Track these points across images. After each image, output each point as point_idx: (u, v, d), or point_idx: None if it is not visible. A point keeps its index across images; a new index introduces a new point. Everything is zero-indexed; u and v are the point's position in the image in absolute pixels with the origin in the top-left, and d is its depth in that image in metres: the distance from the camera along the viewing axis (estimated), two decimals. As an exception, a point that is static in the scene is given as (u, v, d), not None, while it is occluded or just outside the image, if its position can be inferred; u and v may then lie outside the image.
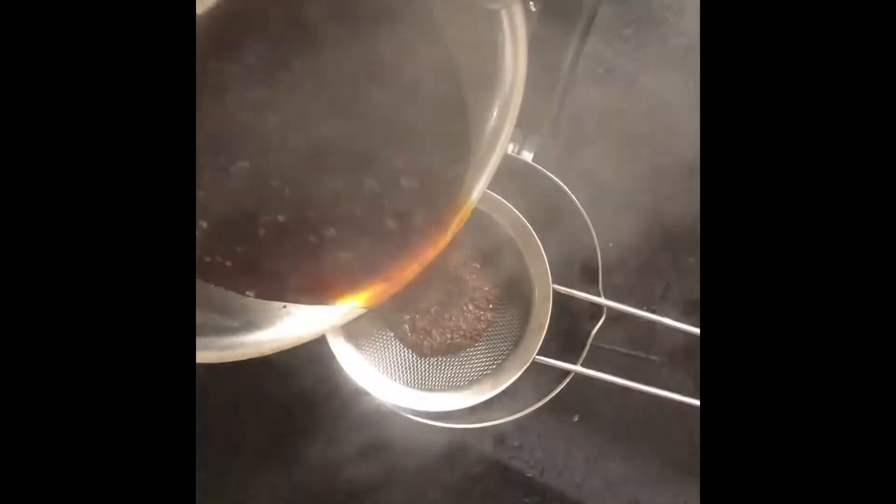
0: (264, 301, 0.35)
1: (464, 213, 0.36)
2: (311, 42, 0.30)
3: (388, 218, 0.35)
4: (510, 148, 0.44)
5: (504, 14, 0.30)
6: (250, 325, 0.34)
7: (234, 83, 0.30)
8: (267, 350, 0.34)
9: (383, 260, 0.36)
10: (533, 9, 0.44)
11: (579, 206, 0.43)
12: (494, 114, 0.34)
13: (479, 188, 0.36)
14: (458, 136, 0.35)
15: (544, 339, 0.42)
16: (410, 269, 0.36)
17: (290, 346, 0.35)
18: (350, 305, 0.36)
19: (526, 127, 0.43)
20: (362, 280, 0.36)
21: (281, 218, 0.34)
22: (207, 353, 0.32)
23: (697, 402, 0.42)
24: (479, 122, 0.34)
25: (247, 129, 0.31)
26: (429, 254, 0.36)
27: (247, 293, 0.34)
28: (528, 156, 0.44)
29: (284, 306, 0.35)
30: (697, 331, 0.42)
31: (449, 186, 0.36)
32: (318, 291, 0.35)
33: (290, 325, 0.35)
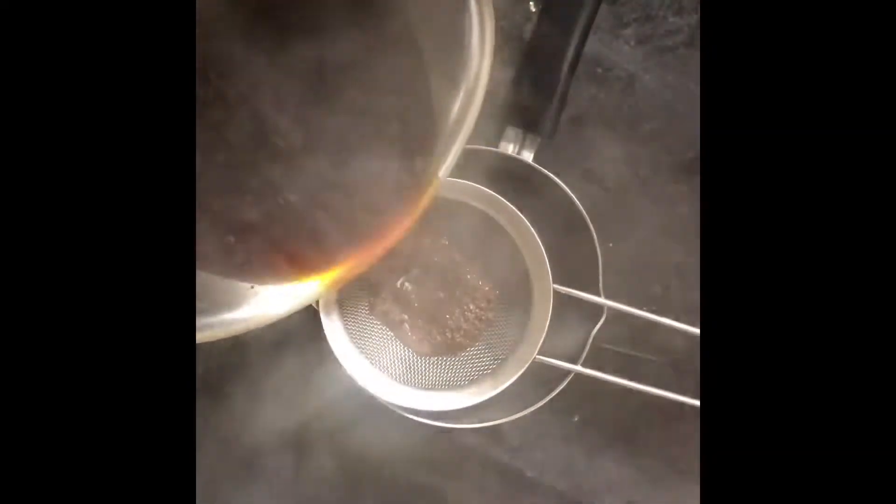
0: (231, 281, 0.34)
1: (428, 195, 0.36)
2: (277, 26, 0.30)
3: (350, 199, 0.35)
4: (510, 148, 0.44)
5: (472, 2, 0.30)
6: (218, 306, 0.34)
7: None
8: (235, 330, 0.33)
9: (348, 239, 0.35)
10: (533, 9, 0.44)
11: (579, 205, 0.43)
12: (460, 97, 0.34)
13: (443, 169, 0.36)
14: (422, 119, 0.35)
15: (545, 339, 0.42)
16: (375, 250, 0.36)
17: (258, 326, 0.34)
18: (316, 284, 0.35)
19: (525, 127, 0.43)
20: (327, 259, 0.35)
21: (248, 198, 0.33)
22: None
23: (697, 403, 0.42)
24: (445, 105, 0.34)
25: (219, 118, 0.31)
26: (393, 235, 0.36)
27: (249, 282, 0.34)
28: (528, 156, 0.44)
29: (252, 286, 0.35)
30: (697, 331, 0.42)
31: (412, 168, 0.35)
32: (281, 271, 0.35)
33: (257, 305, 0.35)
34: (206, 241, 0.33)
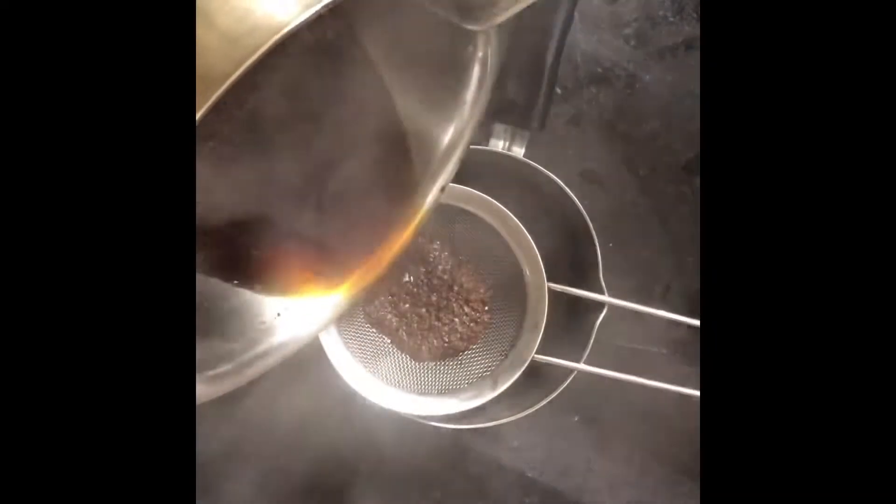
0: (258, 317, 0.35)
1: (426, 208, 0.38)
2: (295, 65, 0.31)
3: (349, 219, 0.36)
4: (500, 145, 0.44)
5: (481, 37, 0.31)
6: (251, 343, 0.35)
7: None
8: (273, 361, 0.35)
9: (350, 255, 0.37)
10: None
11: (578, 204, 0.43)
12: (451, 131, 0.36)
13: (433, 191, 0.37)
14: (419, 145, 0.36)
15: (547, 339, 0.42)
16: (375, 266, 0.38)
17: (292, 352, 0.35)
18: (336, 299, 0.37)
19: (513, 122, 0.43)
20: (342, 270, 0.37)
21: (266, 224, 0.35)
22: (225, 382, 0.33)
23: (698, 393, 0.42)
24: (438, 134, 0.36)
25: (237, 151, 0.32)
26: (392, 249, 0.38)
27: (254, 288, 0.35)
28: (518, 151, 0.44)
29: (278, 314, 0.36)
30: (697, 322, 0.42)
31: (405, 190, 0.37)
32: (291, 286, 0.37)
33: (286, 332, 0.36)
34: (231, 265, 0.35)
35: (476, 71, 0.33)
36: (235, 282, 0.35)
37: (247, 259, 0.35)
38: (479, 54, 0.32)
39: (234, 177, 0.33)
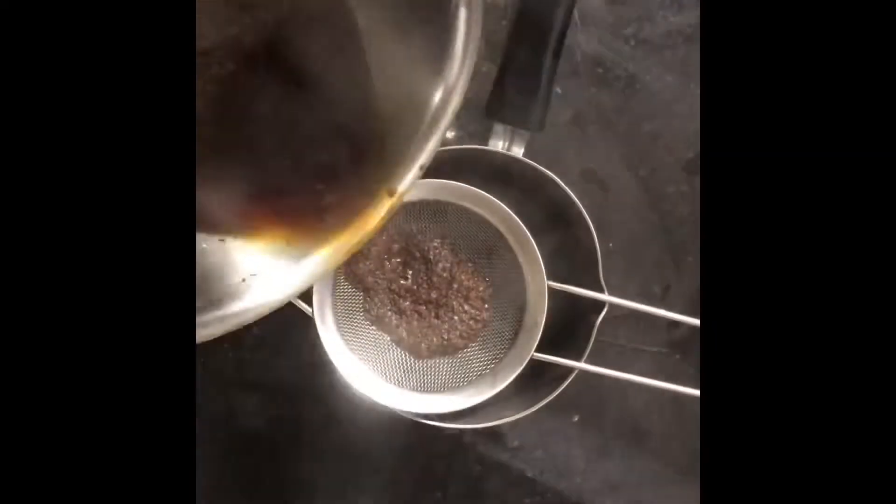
0: (223, 278, 0.35)
1: (401, 191, 0.36)
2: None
3: (322, 187, 0.36)
4: (499, 145, 0.44)
5: None
6: (212, 304, 0.35)
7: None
8: (231, 325, 0.34)
9: (323, 224, 0.36)
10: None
11: (578, 204, 0.43)
12: (438, 96, 0.35)
13: (414, 169, 0.36)
14: (403, 114, 0.36)
15: (546, 339, 0.42)
16: (349, 239, 0.36)
17: (251, 319, 0.35)
18: (301, 267, 0.36)
19: (514, 123, 0.43)
20: (305, 242, 0.36)
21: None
22: None
23: (698, 392, 0.42)
24: (425, 95, 0.35)
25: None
26: (366, 225, 0.36)
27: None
28: (517, 151, 0.44)
29: (243, 280, 0.36)
30: (697, 321, 0.42)
31: (384, 163, 0.36)
32: (260, 244, 0.36)
33: (250, 298, 0.36)
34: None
35: (462, 15, 0.32)
36: (204, 246, 0.35)
37: (217, 218, 0.35)
38: (463, 13, 0.32)
39: (208, 139, 0.32)
